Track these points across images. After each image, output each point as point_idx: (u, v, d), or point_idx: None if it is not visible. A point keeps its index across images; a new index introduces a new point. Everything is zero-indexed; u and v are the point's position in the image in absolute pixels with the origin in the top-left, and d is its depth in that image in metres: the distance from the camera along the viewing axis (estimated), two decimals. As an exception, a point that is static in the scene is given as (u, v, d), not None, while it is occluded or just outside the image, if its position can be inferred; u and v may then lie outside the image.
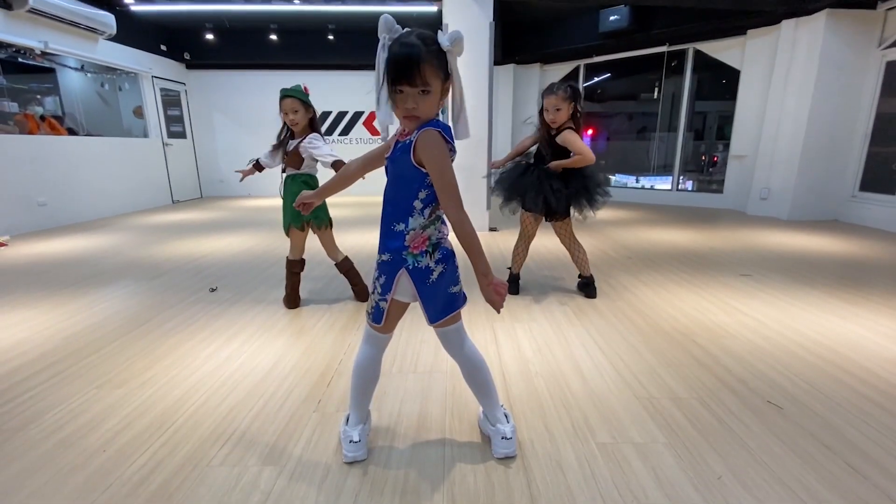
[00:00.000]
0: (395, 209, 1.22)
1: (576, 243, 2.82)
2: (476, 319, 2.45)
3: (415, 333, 2.28)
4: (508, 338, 2.23)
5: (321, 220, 2.64)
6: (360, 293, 2.80)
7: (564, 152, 2.55)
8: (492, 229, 5.03)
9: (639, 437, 1.47)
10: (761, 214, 5.96)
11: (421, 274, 1.22)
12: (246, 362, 2.00)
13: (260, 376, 1.88)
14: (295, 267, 2.70)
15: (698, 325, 2.37)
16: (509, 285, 2.90)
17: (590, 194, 2.61)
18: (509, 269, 2.97)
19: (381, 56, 1.12)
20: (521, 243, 2.86)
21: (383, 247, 1.25)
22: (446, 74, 1.14)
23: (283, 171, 2.60)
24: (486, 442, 1.45)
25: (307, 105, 2.46)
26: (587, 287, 2.86)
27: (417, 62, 1.07)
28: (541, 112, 2.59)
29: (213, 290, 3.00)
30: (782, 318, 2.48)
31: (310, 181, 2.59)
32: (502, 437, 1.38)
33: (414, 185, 1.19)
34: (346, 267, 2.77)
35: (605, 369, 1.90)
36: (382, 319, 1.29)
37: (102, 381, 1.84)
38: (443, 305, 1.28)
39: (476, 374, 1.39)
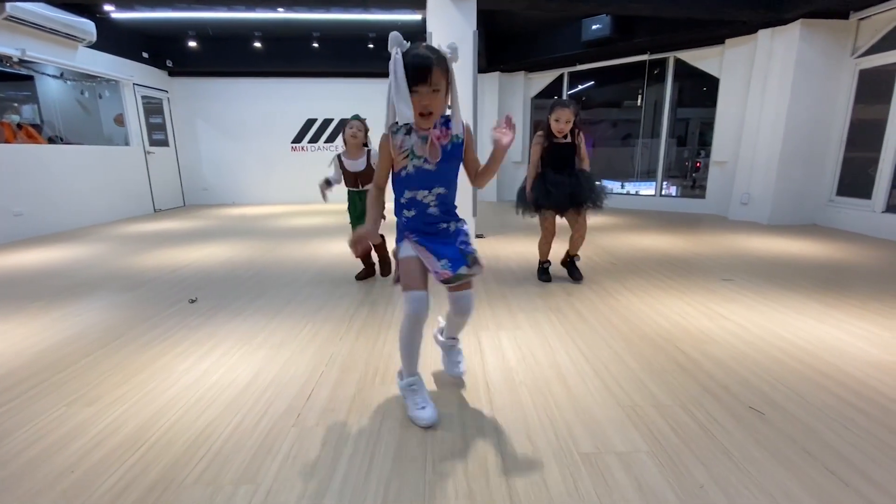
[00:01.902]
0: (452, 191, 1.55)
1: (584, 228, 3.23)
2: (461, 328, 2.44)
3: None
4: (493, 346, 2.21)
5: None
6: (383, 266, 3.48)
7: (569, 156, 3.11)
8: (478, 236, 5.03)
9: (622, 446, 1.46)
10: (742, 219, 6.06)
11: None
12: (224, 376, 1.95)
13: (238, 390, 1.83)
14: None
15: (681, 331, 2.38)
16: (543, 274, 3.39)
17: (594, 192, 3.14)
18: (543, 262, 3.39)
19: (396, 66, 1.32)
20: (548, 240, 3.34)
21: (454, 215, 1.59)
22: (447, 77, 1.40)
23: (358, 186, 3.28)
24: (469, 455, 1.43)
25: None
26: (573, 268, 3.36)
27: (430, 66, 1.34)
28: (547, 123, 3.04)
29: (192, 301, 2.94)
30: (764, 322, 2.50)
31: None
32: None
33: (457, 170, 1.54)
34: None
35: (588, 377, 1.90)
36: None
37: (73, 399, 1.78)
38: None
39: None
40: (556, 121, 2.97)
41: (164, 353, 2.18)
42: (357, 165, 3.20)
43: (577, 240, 3.25)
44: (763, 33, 5.67)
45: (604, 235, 5.10)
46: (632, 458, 1.40)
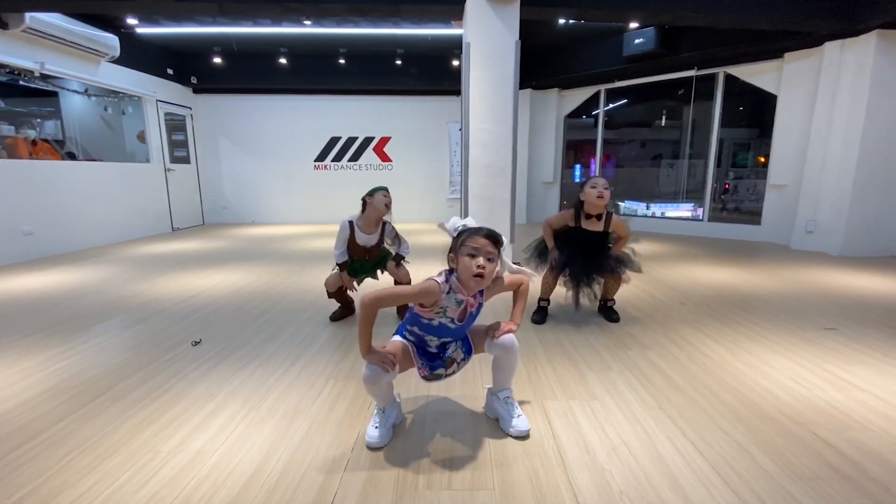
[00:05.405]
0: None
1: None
2: (521, 392, 1.94)
3: (444, 437, 1.78)
4: (567, 426, 1.71)
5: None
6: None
7: (599, 244, 2.77)
8: (515, 263, 4.54)
9: None
10: (808, 249, 5.43)
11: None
12: (222, 461, 1.50)
13: (237, 487, 1.37)
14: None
15: (808, 406, 1.84)
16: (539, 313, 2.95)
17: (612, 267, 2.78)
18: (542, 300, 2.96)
19: (462, 228, 1.56)
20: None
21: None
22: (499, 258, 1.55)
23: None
24: None
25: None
26: (609, 311, 2.94)
27: (500, 240, 1.52)
28: (579, 199, 2.70)
29: (195, 343, 2.52)
30: (908, 394, 1.95)
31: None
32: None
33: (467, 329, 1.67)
34: None
35: (715, 487, 1.37)
36: None
37: (19, 496, 1.34)
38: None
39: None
40: (593, 187, 2.58)
41: (151, 421, 1.74)
42: (370, 240, 2.82)
43: (612, 285, 2.85)
44: (830, 46, 5.15)
45: (657, 266, 4.55)
46: None
